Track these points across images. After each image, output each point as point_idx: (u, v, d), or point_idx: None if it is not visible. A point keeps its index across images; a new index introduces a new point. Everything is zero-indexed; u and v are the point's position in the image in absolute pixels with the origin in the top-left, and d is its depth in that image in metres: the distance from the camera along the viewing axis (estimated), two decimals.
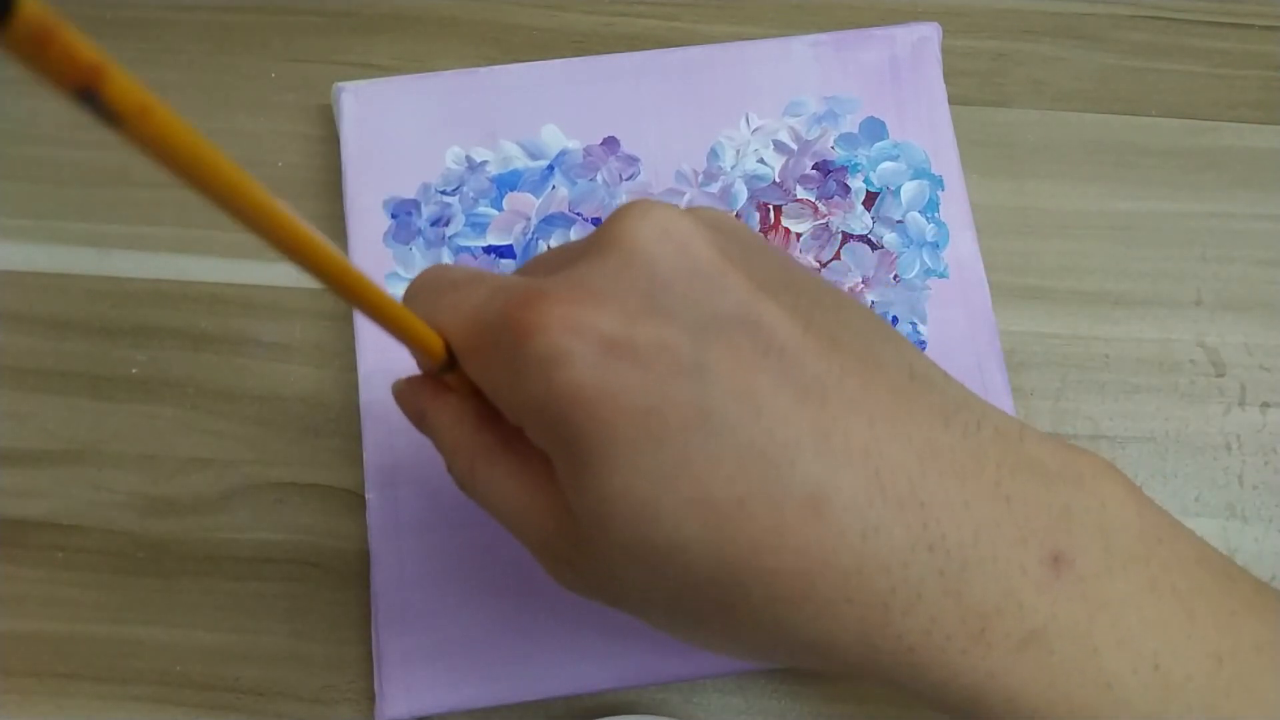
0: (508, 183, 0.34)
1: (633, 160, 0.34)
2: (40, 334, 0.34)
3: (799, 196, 0.34)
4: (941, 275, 0.33)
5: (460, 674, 0.29)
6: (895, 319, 0.33)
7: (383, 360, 0.32)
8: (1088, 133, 0.37)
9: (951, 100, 0.35)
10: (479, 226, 0.33)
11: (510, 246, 0.33)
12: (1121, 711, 0.18)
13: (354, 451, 0.32)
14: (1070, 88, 0.38)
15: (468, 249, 0.33)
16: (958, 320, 0.33)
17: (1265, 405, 0.34)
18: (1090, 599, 0.18)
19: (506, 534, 0.30)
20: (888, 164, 0.34)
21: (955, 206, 0.34)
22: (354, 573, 0.32)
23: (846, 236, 0.33)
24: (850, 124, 0.34)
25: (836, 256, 0.33)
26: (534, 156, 0.34)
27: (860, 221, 0.34)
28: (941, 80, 0.35)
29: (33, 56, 0.11)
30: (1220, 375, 0.35)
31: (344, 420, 0.33)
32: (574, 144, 0.34)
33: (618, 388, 0.17)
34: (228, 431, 0.33)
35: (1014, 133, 0.37)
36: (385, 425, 0.31)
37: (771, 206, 0.34)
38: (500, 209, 0.33)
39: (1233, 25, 0.38)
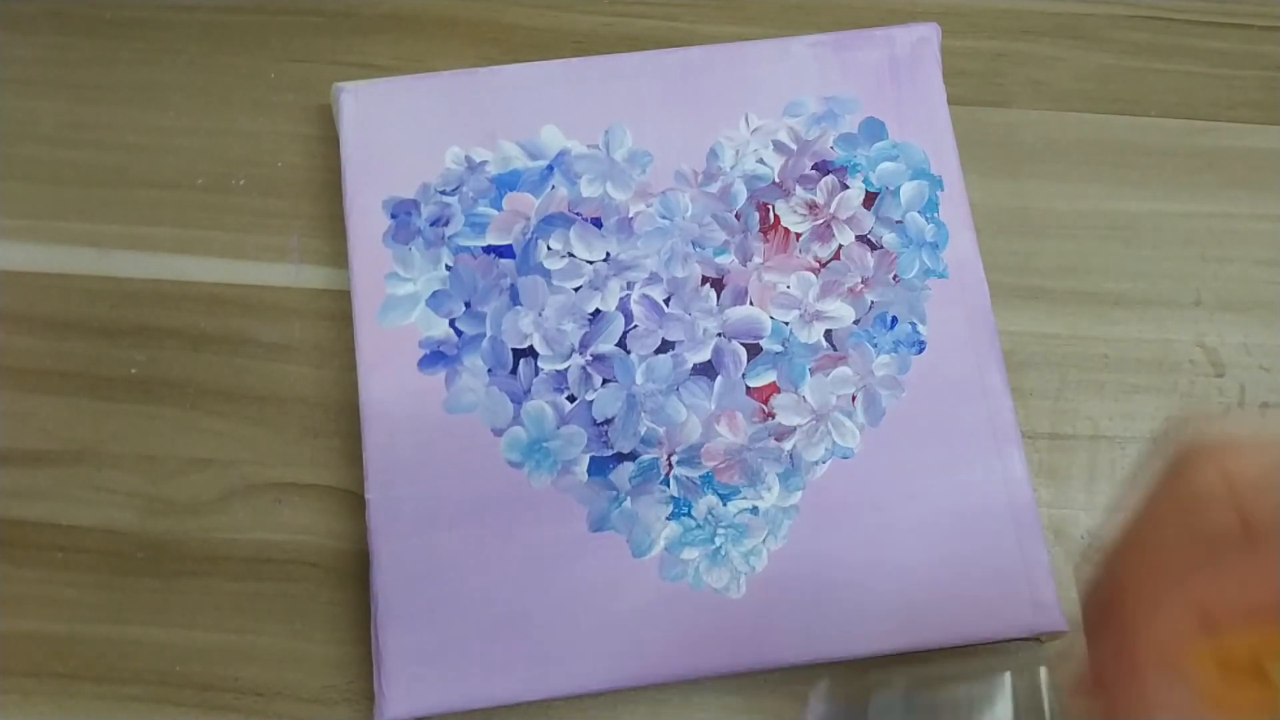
0: (507, 183, 0.34)
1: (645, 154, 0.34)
2: (40, 334, 0.34)
3: (799, 196, 0.34)
4: (941, 275, 0.33)
5: (460, 674, 0.29)
6: (895, 319, 0.33)
7: (383, 360, 0.32)
8: (1087, 133, 0.37)
9: (951, 100, 0.35)
10: (478, 226, 0.33)
11: (510, 246, 0.33)
12: None
13: (354, 451, 0.32)
14: (1070, 88, 0.38)
15: (467, 249, 0.33)
16: (957, 320, 0.33)
17: (1265, 405, 0.34)
18: None
19: (505, 534, 0.30)
20: (887, 164, 0.34)
21: (954, 207, 0.34)
22: (354, 573, 0.32)
23: (846, 236, 0.33)
24: (850, 124, 0.34)
25: (836, 256, 0.33)
26: (533, 156, 0.34)
27: (860, 222, 0.34)
28: (941, 80, 0.35)
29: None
30: (1220, 375, 0.35)
31: (344, 420, 0.33)
32: (574, 144, 0.34)
33: None
34: (227, 432, 0.33)
35: (1013, 133, 0.37)
36: (385, 425, 0.31)
37: (771, 206, 0.34)
38: (500, 209, 0.33)
39: (1232, 25, 0.38)
